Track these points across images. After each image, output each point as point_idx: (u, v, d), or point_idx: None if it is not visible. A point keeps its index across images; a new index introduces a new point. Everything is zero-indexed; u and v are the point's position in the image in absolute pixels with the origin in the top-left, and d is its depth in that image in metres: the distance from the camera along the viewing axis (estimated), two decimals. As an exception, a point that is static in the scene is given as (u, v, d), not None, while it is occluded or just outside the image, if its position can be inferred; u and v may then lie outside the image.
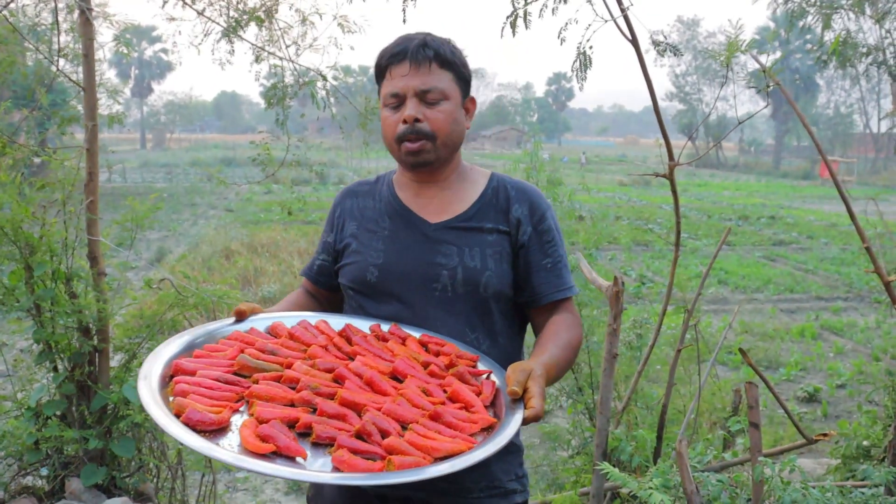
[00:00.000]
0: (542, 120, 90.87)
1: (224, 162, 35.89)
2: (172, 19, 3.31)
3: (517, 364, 1.52)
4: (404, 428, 1.39)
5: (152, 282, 3.54)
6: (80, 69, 3.21)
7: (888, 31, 5.39)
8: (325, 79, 3.56)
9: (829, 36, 5.62)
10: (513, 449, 1.81)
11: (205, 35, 3.35)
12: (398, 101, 1.78)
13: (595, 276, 2.52)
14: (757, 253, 16.51)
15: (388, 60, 1.79)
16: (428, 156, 1.79)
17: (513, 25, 2.21)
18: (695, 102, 58.51)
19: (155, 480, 3.71)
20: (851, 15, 5.60)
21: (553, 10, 2.20)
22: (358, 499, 1.74)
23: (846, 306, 11.95)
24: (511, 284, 1.83)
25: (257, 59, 3.46)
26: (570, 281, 1.87)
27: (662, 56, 2.14)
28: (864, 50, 5.28)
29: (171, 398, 1.38)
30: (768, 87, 2.22)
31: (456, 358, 1.64)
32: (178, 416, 1.31)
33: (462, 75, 1.83)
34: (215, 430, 1.31)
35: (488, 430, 1.43)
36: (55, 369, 3.32)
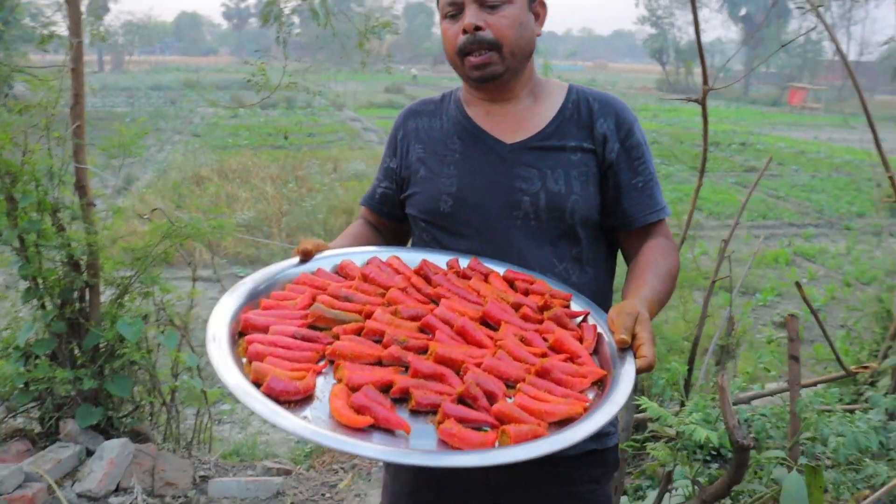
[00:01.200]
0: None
1: (186, 85, 34.76)
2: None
3: (620, 306, 1.37)
4: (509, 386, 1.25)
5: (142, 211, 3.36)
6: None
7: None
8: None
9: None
10: None
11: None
12: (456, 9, 1.59)
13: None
14: (729, 179, 16.57)
15: None
16: (495, 68, 1.60)
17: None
18: (666, 27, 57.80)
19: (151, 419, 3.61)
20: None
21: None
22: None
23: (817, 233, 12.10)
24: (598, 208, 1.66)
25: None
26: (662, 201, 1.69)
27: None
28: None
29: (243, 360, 1.24)
30: (818, 6, 2.07)
31: (550, 298, 1.48)
32: (256, 384, 1.16)
33: None
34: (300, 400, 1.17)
35: (598, 383, 1.29)
36: (43, 307, 3.15)
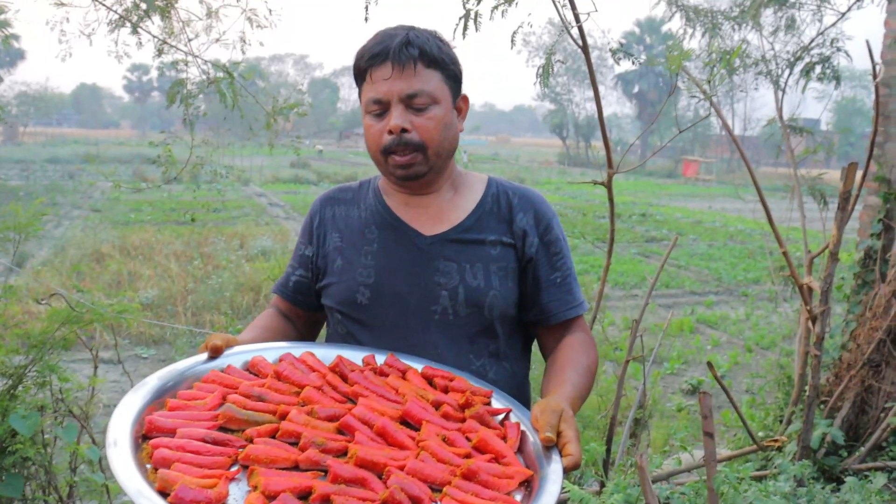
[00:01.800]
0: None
1: (85, 159, 33.74)
2: (61, 4, 2.97)
3: (544, 404, 1.35)
4: (434, 490, 1.20)
5: (39, 296, 3.18)
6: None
7: (772, 44, 5.66)
8: (231, 76, 3.31)
9: (716, 44, 5.87)
10: None
11: (97, 24, 3.03)
12: (382, 107, 1.58)
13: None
14: (632, 250, 17.16)
15: (368, 62, 1.59)
16: (419, 168, 1.60)
17: (464, 28, 2.10)
18: (565, 103, 60.32)
19: (46, 519, 3.35)
20: (736, 25, 5.87)
21: (503, 12, 2.10)
22: None
23: (718, 300, 12.57)
24: (516, 303, 1.66)
25: (160, 53, 3.17)
26: (580, 296, 1.71)
27: (618, 63, 2.10)
28: (751, 60, 5.52)
29: (147, 465, 1.14)
30: (711, 96, 2.21)
31: (470, 395, 1.45)
32: (162, 493, 1.07)
33: (451, 73, 1.64)
34: None
35: (525, 483, 1.25)
36: (-74, 400, 2.92)
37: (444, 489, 1.19)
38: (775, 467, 3.00)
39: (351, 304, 1.66)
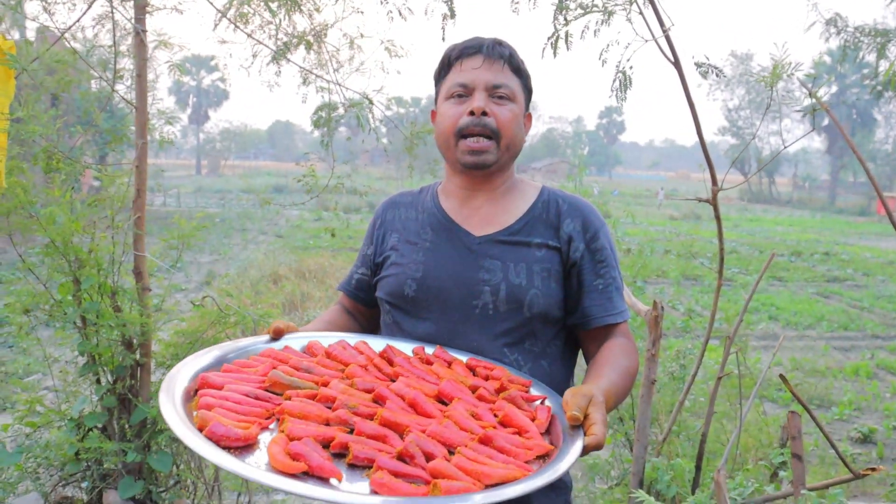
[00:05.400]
0: (593, 153, 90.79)
1: (276, 189, 36.56)
2: (223, 42, 3.38)
3: (576, 388, 1.40)
4: (451, 453, 1.26)
5: (197, 300, 3.59)
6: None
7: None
8: (370, 102, 3.59)
9: (883, 65, 5.52)
10: (559, 485, 1.68)
11: (253, 57, 3.42)
12: (465, 91, 1.71)
13: (635, 300, 2.48)
14: (810, 289, 16.11)
15: (460, 52, 1.74)
16: (488, 157, 1.71)
17: (554, 47, 2.21)
18: (748, 137, 57.76)
19: (191, 497, 3.73)
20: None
21: (595, 31, 2.19)
22: None
23: (904, 345, 11.55)
24: (560, 305, 1.72)
25: (304, 82, 3.51)
26: (621, 305, 1.76)
27: (705, 78, 2.11)
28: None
29: (195, 413, 1.28)
30: (814, 111, 2.16)
31: (507, 382, 1.53)
32: (200, 430, 1.20)
33: (527, 86, 1.78)
34: (241, 447, 1.20)
35: (544, 458, 1.30)
36: (98, 381, 3.37)
37: (458, 449, 1.26)
38: None
39: (399, 295, 1.78)
